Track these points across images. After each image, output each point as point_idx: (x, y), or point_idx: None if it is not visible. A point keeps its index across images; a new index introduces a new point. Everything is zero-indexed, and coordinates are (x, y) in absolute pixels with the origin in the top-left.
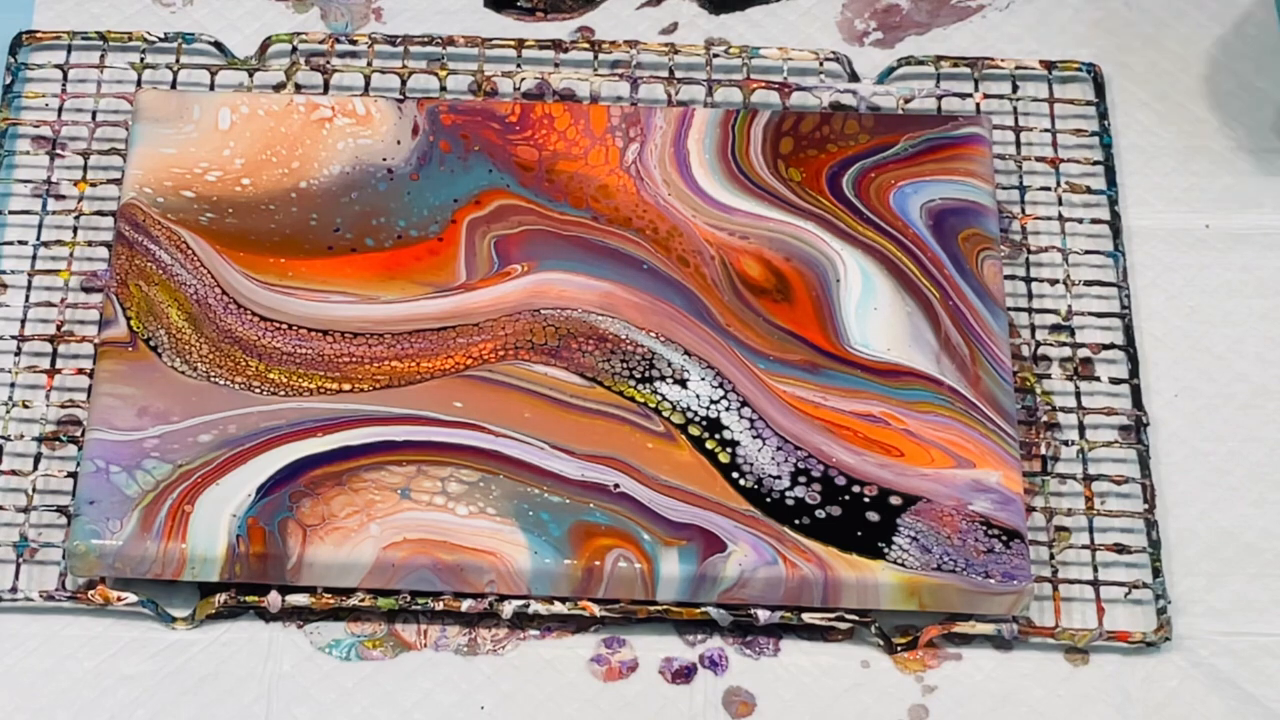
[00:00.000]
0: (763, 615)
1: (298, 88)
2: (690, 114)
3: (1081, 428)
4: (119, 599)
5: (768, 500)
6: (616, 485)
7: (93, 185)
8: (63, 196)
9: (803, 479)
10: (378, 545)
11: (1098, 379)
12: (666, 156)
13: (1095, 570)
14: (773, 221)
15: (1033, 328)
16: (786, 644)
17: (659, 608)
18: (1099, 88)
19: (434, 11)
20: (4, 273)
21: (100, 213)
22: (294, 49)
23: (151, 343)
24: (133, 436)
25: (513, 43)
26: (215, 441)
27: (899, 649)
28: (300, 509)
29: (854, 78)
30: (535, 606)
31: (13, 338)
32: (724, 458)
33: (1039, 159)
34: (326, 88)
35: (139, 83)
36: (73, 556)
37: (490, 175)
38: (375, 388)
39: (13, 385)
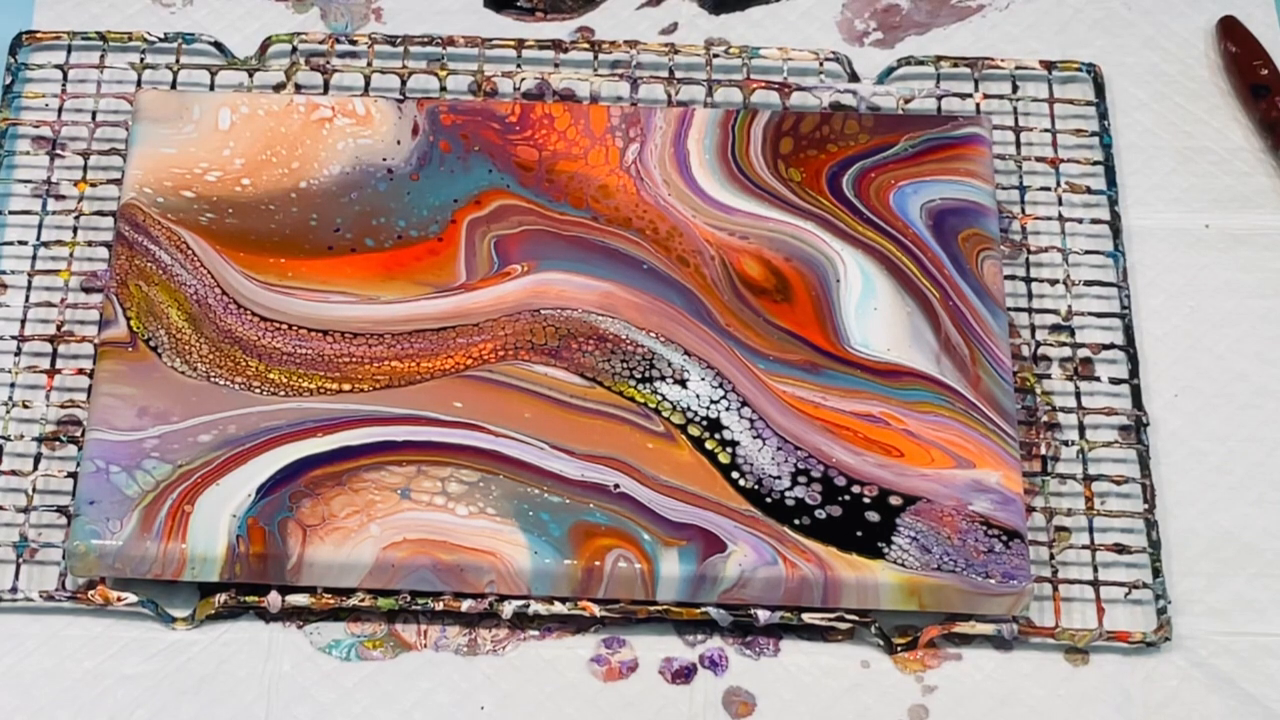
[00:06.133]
0: (763, 615)
1: (298, 88)
2: (690, 114)
3: (1081, 428)
4: (119, 599)
5: (768, 500)
6: (616, 485)
7: (93, 185)
8: (63, 196)
9: (803, 479)
10: (378, 545)
11: (1098, 379)
12: (666, 156)
13: (1095, 570)
14: (773, 221)
15: (1033, 328)
16: (786, 644)
17: (659, 608)
18: (1099, 88)
19: (434, 11)
20: (4, 273)
21: (100, 213)
22: (294, 49)
23: (151, 343)
24: (133, 436)
25: (513, 43)
26: (215, 441)
27: (899, 649)
28: (300, 509)
29: (854, 78)
30: (535, 606)
31: (13, 338)
32: (724, 458)
33: (1039, 159)
34: (326, 88)
35: (139, 83)
36: (73, 556)
37: (490, 175)
38: (375, 388)
39: (13, 385)
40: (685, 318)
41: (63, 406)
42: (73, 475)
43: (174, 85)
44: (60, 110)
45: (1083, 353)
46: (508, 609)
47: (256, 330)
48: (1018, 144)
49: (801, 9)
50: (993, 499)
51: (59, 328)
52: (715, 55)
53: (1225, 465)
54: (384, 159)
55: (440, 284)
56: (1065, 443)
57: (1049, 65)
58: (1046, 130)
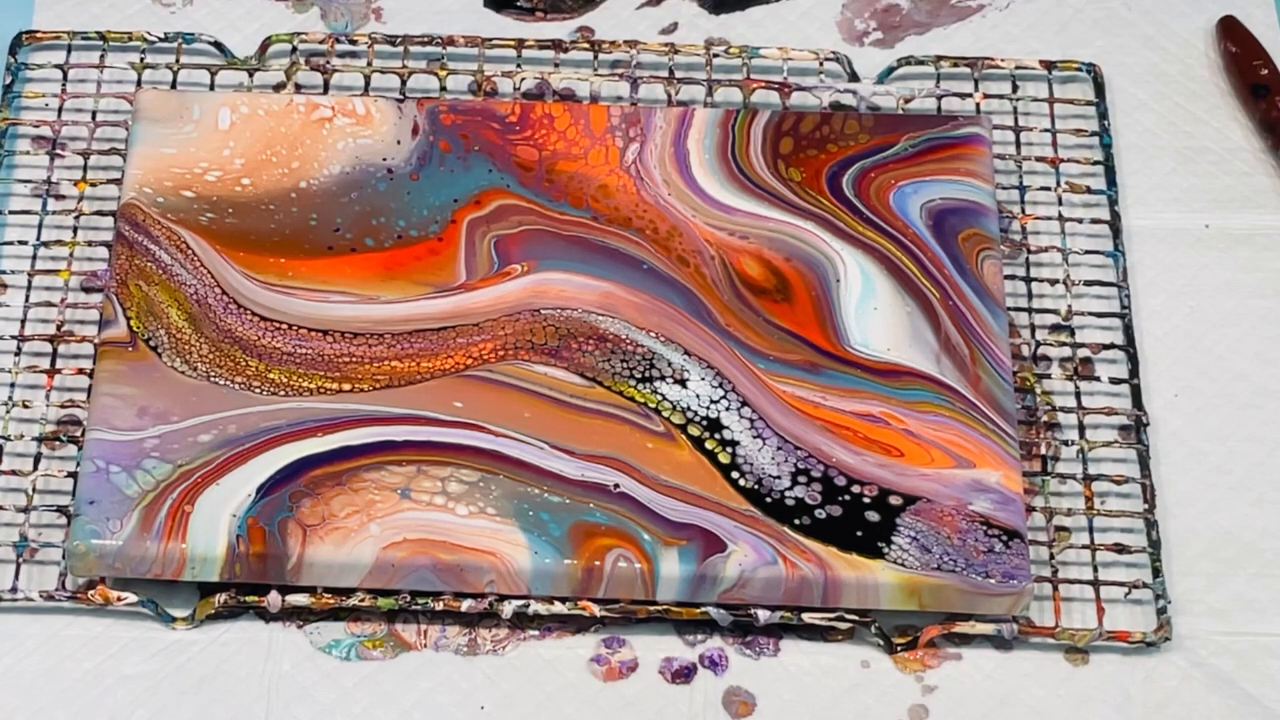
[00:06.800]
0: (763, 615)
1: (298, 88)
2: (690, 114)
3: (1081, 428)
4: (119, 599)
5: (768, 500)
6: (616, 485)
7: (93, 185)
8: (63, 196)
9: (803, 479)
10: (378, 545)
11: (1098, 379)
12: (666, 156)
13: (1095, 570)
14: (773, 221)
15: (1033, 328)
16: (786, 644)
17: (659, 608)
18: (1099, 88)
19: (434, 11)
20: (4, 273)
21: (100, 213)
22: (294, 49)
23: (151, 343)
24: (133, 436)
25: (513, 43)
26: (215, 441)
27: (899, 649)
28: (300, 509)
29: (854, 78)
30: (535, 606)
31: (13, 338)
32: (724, 458)
33: (1039, 159)
34: (326, 88)
35: (139, 83)
36: (73, 556)
37: (490, 175)
38: (375, 388)
39: (13, 385)
40: (685, 318)
41: (63, 406)
42: (73, 475)
43: (174, 85)
44: (60, 110)
45: (1083, 353)
46: (508, 609)
47: (256, 330)
48: (1018, 144)
49: (801, 9)
50: (993, 499)
51: (59, 328)
52: (715, 55)
53: (1225, 465)
54: (384, 159)
55: (440, 284)
56: (1065, 443)
57: (1049, 65)
58: (1046, 130)
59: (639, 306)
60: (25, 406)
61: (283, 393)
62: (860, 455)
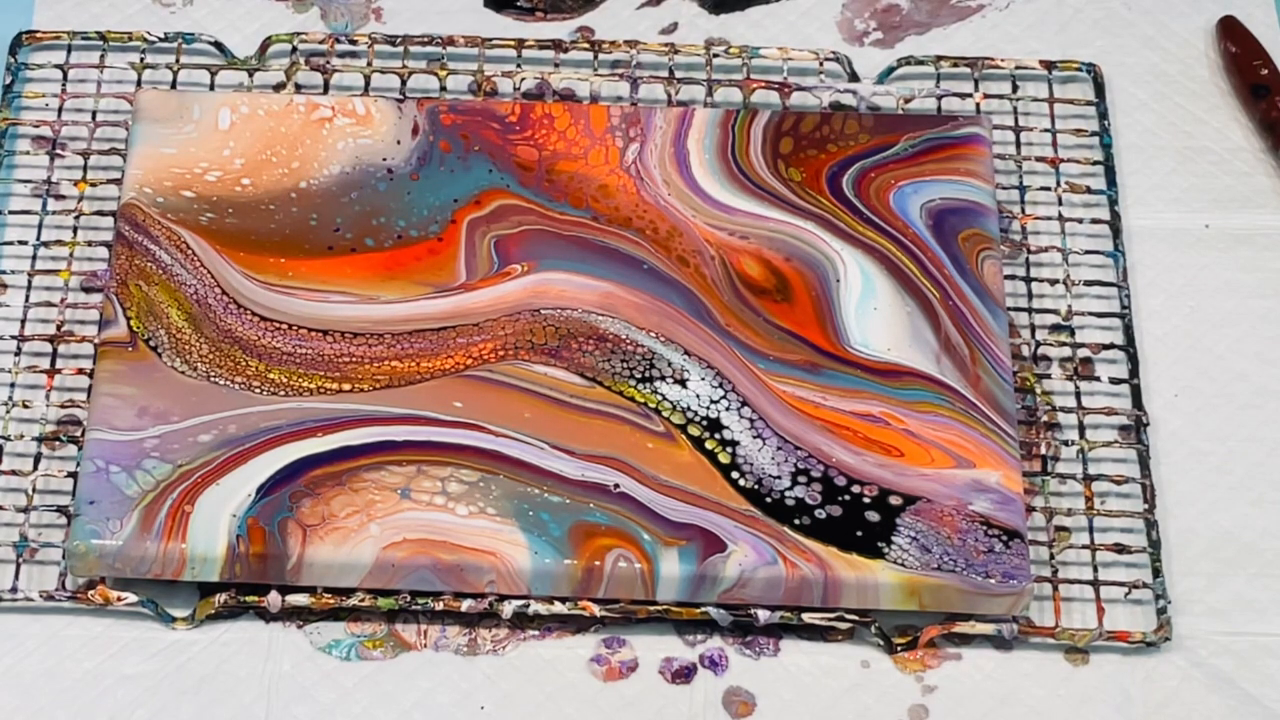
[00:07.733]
0: (763, 615)
1: (298, 88)
2: (690, 114)
3: (1081, 428)
4: (119, 599)
5: (768, 500)
6: (616, 485)
7: (93, 185)
8: (63, 196)
9: (803, 479)
10: (378, 545)
11: (1098, 379)
12: (666, 156)
13: (1095, 570)
14: (773, 221)
15: (1033, 328)
16: (786, 644)
17: (659, 608)
18: (1099, 88)
19: (434, 11)
20: (4, 273)
21: (100, 213)
22: (294, 49)
23: (151, 343)
24: (133, 436)
25: (513, 43)
26: (215, 441)
27: (899, 649)
28: (300, 509)
29: (854, 78)
30: (535, 606)
31: (13, 338)
32: (724, 458)
33: (1039, 159)
34: (326, 88)
35: (139, 83)
36: (73, 556)
37: (490, 175)
38: (375, 388)
39: (13, 385)
40: (685, 318)
41: (63, 406)
42: (73, 475)
43: (174, 85)
44: (60, 110)
45: (1083, 353)
46: (508, 609)
47: (256, 330)
48: (1018, 144)
49: (801, 9)
50: (993, 499)
51: (59, 328)
52: (715, 55)
53: (1225, 465)
54: (384, 159)
55: (440, 284)
56: (1065, 443)
57: (1049, 65)
58: (1046, 130)
59: (639, 306)
60: (25, 406)
61: (283, 393)
62: (860, 455)
